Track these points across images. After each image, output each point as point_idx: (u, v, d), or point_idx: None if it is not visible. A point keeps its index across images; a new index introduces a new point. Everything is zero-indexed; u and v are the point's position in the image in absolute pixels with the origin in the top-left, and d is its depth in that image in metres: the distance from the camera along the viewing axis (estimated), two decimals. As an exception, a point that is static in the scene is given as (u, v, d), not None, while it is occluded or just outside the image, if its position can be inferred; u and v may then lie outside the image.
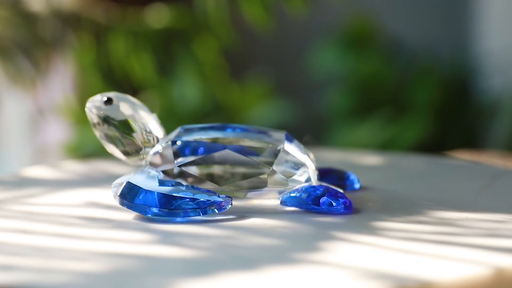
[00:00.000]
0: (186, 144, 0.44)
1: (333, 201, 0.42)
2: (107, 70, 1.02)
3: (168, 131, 0.46)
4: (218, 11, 1.00)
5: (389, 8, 1.47)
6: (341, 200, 0.42)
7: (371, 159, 0.64)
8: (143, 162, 0.45)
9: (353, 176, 0.48)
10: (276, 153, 0.43)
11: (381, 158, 0.64)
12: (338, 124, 1.37)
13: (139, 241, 0.37)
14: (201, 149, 0.44)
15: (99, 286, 0.31)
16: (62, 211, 0.43)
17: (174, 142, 0.44)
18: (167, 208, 0.40)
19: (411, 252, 0.35)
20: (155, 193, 0.41)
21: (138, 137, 0.45)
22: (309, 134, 1.18)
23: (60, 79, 1.13)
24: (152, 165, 0.44)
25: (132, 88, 1.04)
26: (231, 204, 0.41)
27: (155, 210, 0.41)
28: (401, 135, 1.30)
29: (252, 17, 0.99)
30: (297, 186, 0.43)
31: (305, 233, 0.39)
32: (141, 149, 0.45)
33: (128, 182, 0.42)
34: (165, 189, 0.41)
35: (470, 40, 1.45)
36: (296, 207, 0.43)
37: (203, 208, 0.41)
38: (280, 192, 0.43)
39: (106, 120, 0.44)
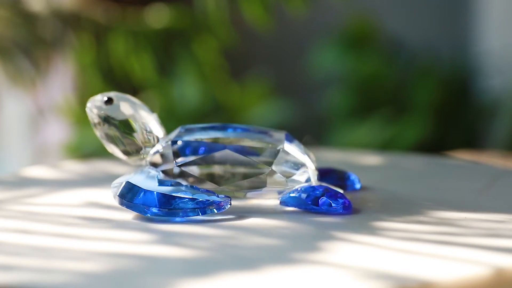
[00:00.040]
0: (186, 144, 0.44)
1: (332, 202, 0.42)
2: (107, 70, 1.02)
3: (168, 131, 0.46)
4: (218, 11, 1.00)
5: (389, 8, 1.47)
6: (340, 201, 0.42)
7: (371, 159, 0.64)
8: (144, 162, 0.45)
9: (353, 176, 0.48)
10: (275, 153, 0.43)
11: (381, 158, 0.64)
12: (338, 124, 1.37)
13: (139, 241, 0.37)
14: (201, 149, 0.44)
15: (99, 286, 0.31)
16: (62, 211, 0.43)
17: (174, 142, 0.44)
18: (166, 208, 0.40)
19: (411, 252, 0.35)
20: (155, 193, 0.41)
21: (138, 136, 0.45)
22: (309, 134, 1.18)
23: (60, 79, 1.13)
24: (153, 164, 0.44)
25: (132, 88, 1.04)
26: (230, 204, 0.41)
27: (154, 210, 0.41)
28: (401, 135, 1.30)
29: (252, 17, 0.99)
30: (297, 186, 0.43)
31: (305, 233, 0.39)
32: (141, 148, 0.45)
33: (128, 182, 0.42)
34: (164, 189, 0.41)
35: (470, 40, 1.45)
36: (295, 207, 0.43)
37: (202, 208, 0.41)
38: (279, 192, 0.43)
39: (106, 120, 0.44)
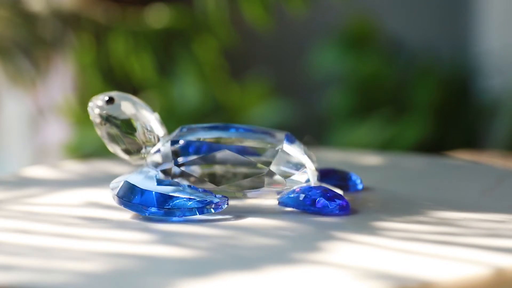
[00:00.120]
0: (186, 143, 0.44)
1: (329, 203, 0.42)
2: (107, 70, 1.02)
3: (168, 131, 0.46)
4: (218, 11, 1.00)
5: (389, 8, 1.47)
6: (338, 202, 0.42)
7: (371, 159, 0.64)
8: (144, 161, 0.45)
9: (355, 177, 0.48)
10: (275, 154, 0.43)
11: (381, 158, 0.64)
12: (338, 124, 1.37)
13: (138, 241, 0.37)
14: (201, 149, 0.44)
15: (99, 286, 0.31)
16: (62, 211, 0.44)
17: (175, 142, 0.44)
18: (164, 207, 0.40)
19: (411, 252, 0.35)
20: (153, 192, 0.41)
21: (139, 136, 0.45)
22: (309, 134, 1.18)
23: (60, 79, 1.13)
24: (153, 164, 0.44)
25: (132, 88, 1.04)
26: (227, 204, 0.41)
27: (152, 209, 0.41)
28: (401, 135, 1.30)
29: (252, 17, 0.99)
30: (295, 187, 0.43)
31: (305, 233, 0.39)
32: (142, 148, 0.45)
33: (126, 181, 0.42)
34: (162, 189, 0.41)
35: (470, 40, 1.45)
36: (293, 207, 0.43)
37: (200, 207, 0.41)
38: (278, 193, 0.43)
39: (108, 119, 0.45)
